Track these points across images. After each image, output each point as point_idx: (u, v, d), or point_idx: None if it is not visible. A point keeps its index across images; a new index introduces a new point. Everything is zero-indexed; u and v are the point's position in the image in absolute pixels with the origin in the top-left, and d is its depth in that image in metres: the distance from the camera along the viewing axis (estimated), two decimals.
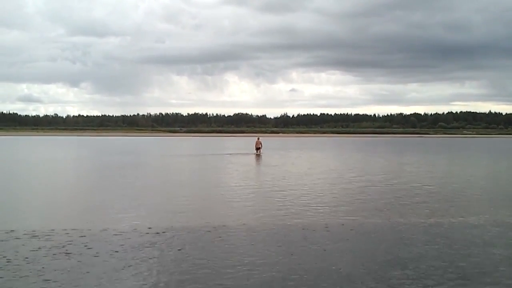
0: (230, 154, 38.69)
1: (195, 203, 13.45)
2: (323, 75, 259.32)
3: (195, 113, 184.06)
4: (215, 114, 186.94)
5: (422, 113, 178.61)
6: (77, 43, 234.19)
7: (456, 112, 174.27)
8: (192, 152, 43.32)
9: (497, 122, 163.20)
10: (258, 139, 38.79)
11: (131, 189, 16.34)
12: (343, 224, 10.17)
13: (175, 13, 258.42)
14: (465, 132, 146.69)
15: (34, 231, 9.23)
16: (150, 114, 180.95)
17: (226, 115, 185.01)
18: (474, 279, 6.61)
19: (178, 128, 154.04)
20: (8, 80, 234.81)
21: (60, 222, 10.35)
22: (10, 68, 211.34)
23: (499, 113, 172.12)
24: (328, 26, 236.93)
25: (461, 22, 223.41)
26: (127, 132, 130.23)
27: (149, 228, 9.63)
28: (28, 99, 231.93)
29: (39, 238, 8.73)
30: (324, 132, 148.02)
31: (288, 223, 10.32)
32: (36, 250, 7.88)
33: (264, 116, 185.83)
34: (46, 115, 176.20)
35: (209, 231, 9.40)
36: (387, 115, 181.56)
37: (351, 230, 9.66)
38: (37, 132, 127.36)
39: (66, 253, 7.75)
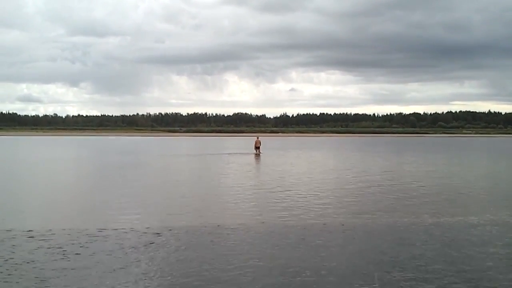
0: (230, 154, 38.64)
1: (194, 203, 13.41)
2: (323, 75, 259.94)
3: (194, 113, 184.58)
4: (214, 114, 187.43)
5: (422, 113, 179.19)
6: (77, 43, 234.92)
7: (456, 112, 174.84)
8: (191, 152, 43.29)
9: (496, 121, 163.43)
10: (258, 138, 38.79)
11: (130, 189, 16.30)
12: (343, 224, 10.13)
13: (175, 13, 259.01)
14: (464, 131, 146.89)
15: (31, 231, 9.18)
16: (150, 114, 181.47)
17: (225, 115, 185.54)
18: (474, 279, 6.56)
19: (178, 128, 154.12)
20: (8, 80, 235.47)
21: (58, 222, 10.31)
22: (10, 68, 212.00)
23: (498, 112, 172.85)
24: (328, 25, 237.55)
25: (461, 22, 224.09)
26: (126, 132, 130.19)
27: (148, 228, 9.58)
28: (27, 99, 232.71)
29: (36, 238, 8.67)
30: (323, 132, 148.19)
31: (288, 223, 10.27)
32: (34, 250, 7.83)
33: (263, 116, 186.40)
34: (46, 115, 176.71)
35: (208, 231, 9.36)
36: (387, 114, 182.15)
37: (351, 230, 9.62)
38: (37, 132, 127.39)
39: (64, 253, 7.70)
